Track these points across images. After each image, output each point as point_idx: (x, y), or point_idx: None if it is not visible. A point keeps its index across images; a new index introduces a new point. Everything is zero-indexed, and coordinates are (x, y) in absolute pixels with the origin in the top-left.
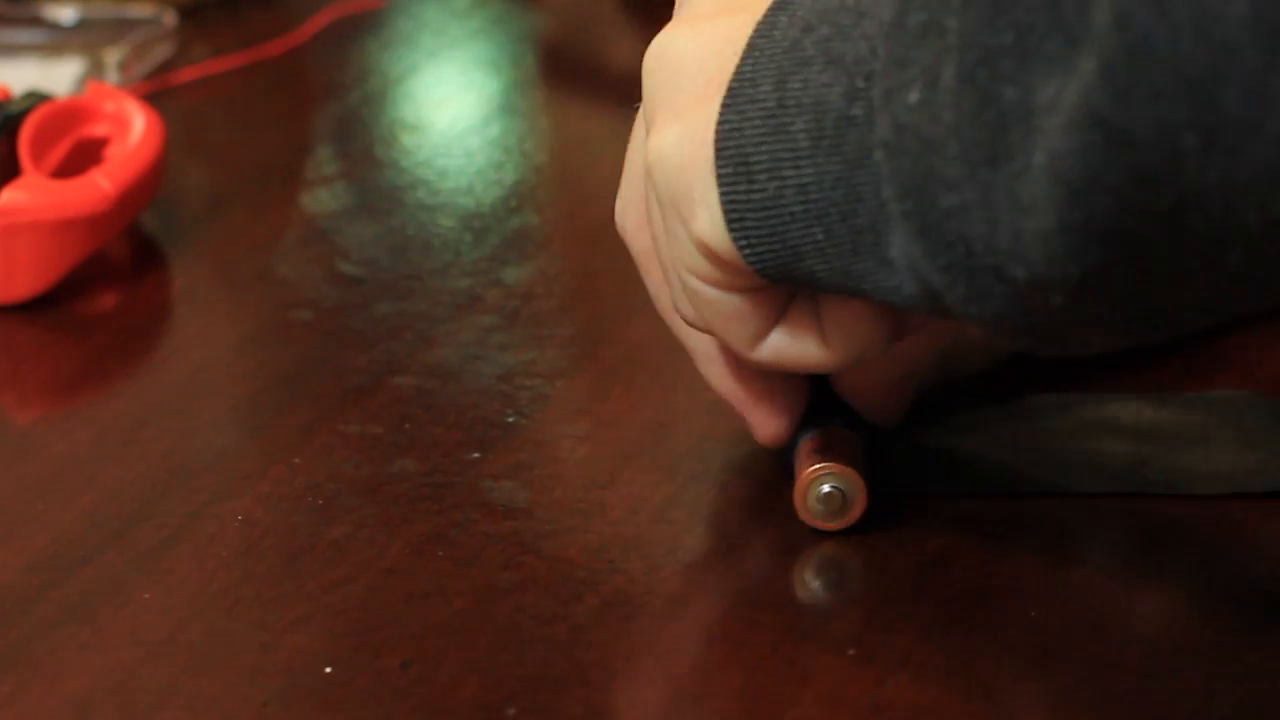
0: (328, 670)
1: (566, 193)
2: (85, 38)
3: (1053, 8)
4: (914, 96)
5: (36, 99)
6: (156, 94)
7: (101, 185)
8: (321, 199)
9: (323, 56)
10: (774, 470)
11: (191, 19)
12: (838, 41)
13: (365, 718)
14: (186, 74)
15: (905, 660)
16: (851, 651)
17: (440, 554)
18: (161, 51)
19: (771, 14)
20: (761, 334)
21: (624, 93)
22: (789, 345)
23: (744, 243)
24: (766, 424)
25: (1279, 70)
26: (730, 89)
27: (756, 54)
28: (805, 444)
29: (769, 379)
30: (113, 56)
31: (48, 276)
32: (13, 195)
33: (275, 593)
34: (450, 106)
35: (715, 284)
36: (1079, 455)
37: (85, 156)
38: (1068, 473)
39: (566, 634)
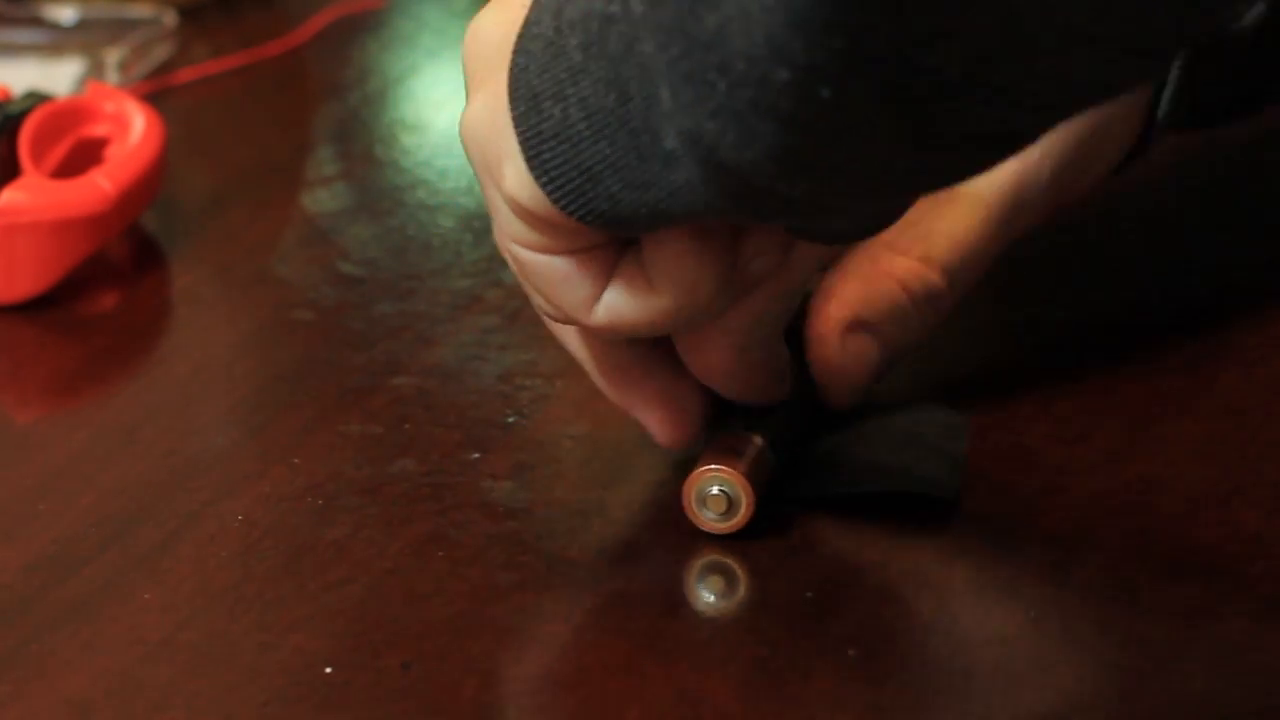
0: (328, 670)
1: None
2: (85, 38)
3: None
4: None
5: (36, 99)
6: (156, 94)
7: (101, 185)
8: (321, 199)
9: (323, 56)
10: (773, 470)
11: (191, 19)
12: None
13: (365, 718)
14: (186, 74)
15: (905, 660)
16: (851, 651)
17: (440, 554)
18: (161, 51)
19: None
20: (594, 297)
21: None
22: (622, 302)
23: (544, 179)
24: (665, 426)
25: None
26: (519, 37)
27: (541, 0)
28: (703, 450)
29: (661, 379)
30: (113, 56)
31: (48, 276)
32: (13, 195)
33: (275, 593)
34: (450, 106)
35: (538, 248)
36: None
37: (85, 156)
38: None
39: (566, 634)
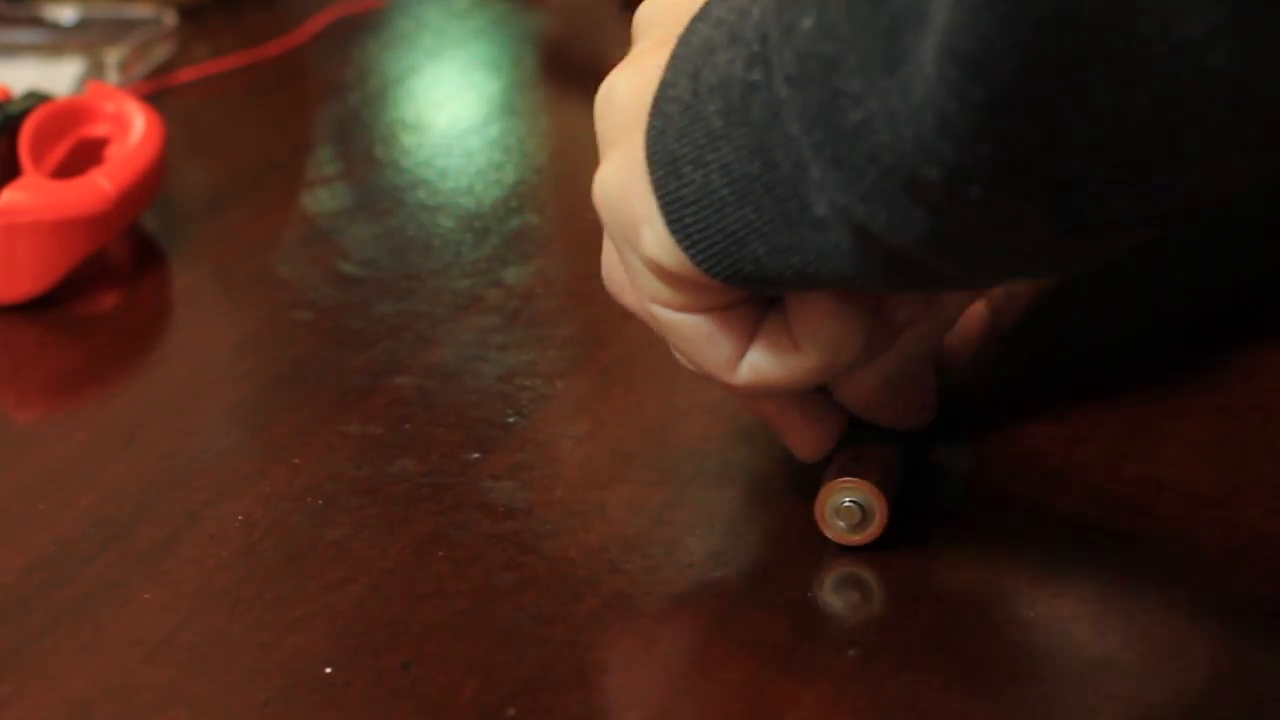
0: (328, 670)
1: (566, 193)
2: (85, 38)
3: None
4: (808, 22)
5: (36, 99)
6: (156, 94)
7: (101, 185)
8: (321, 199)
9: (323, 56)
10: (773, 470)
11: (191, 19)
12: (738, 21)
13: (365, 718)
14: (186, 74)
15: (905, 660)
16: (851, 652)
17: (440, 554)
18: (161, 51)
19: (691, 23)
20: (737, 355)
21: None
22: (766, 362)
23: (686, 242)
24: (806, 441)
25: None
26: (655, 99)
27: (677, 61)
28: (833, 459)
29: (802, 396)
30: (113, 56)
31: (48, 276)
32: (13, 195)
33: (275, 593)
34: (450, 106)
35: (680, 308)
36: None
37: (85, 156)
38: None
39: (566, 634)
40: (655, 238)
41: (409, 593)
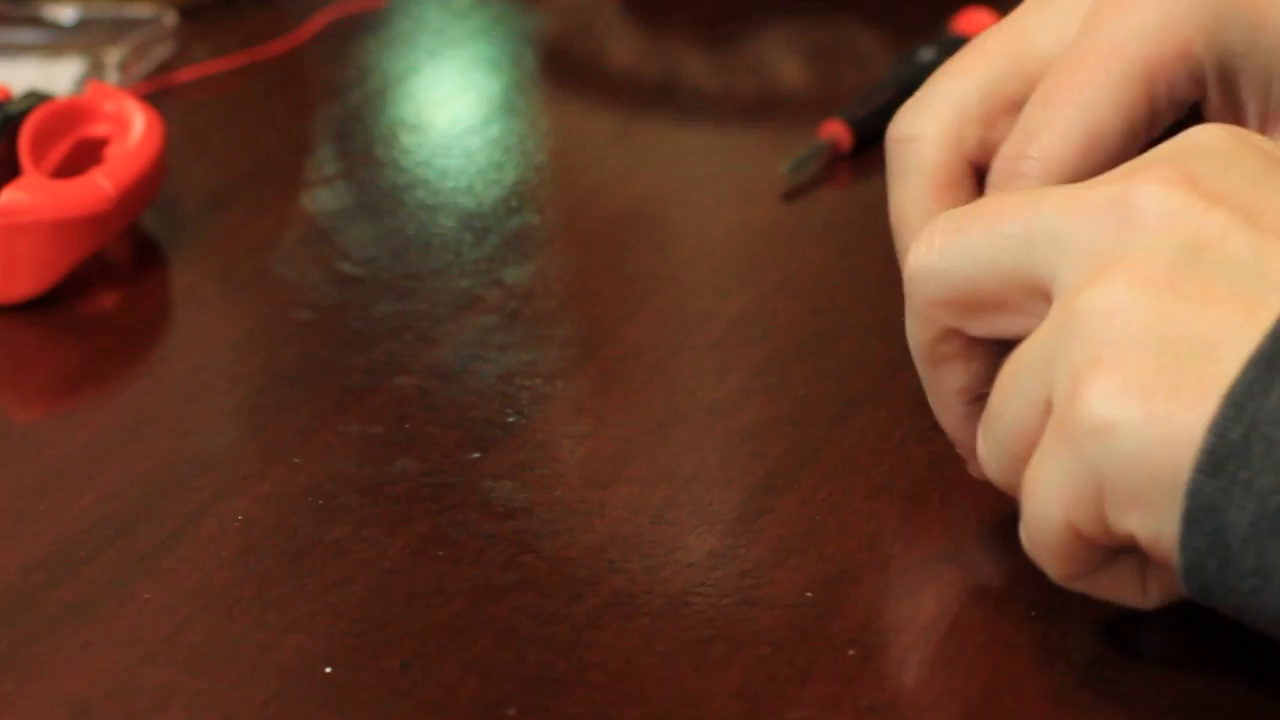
0: (328, 670)
1: (566, 193)
2: (85, 38)
3: None
4: None
5: (36, 99)
6: (156, 94)
7: (101, 185)
8: (321, 199)
9: (323, 56)
10: (774, 470)
11: (191, 19)
12: None
13: (365, 718)
14: (186, 74)
15: (905, 660)
16: (851, 651)
17: (440, 554)
18: (161, 51)
19: (1265, 371)
20: (1085, 574)
21: (624, 93)
22: (1107, 587)
23: (1194, 586)
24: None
25: None
26: (1213, 451)
27: (1248, 419)
28: None
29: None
30: (113, 56)
31: (48, 276)
32: (13, 195)
33: (275, 593)
34: (450, 106)
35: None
36: None
37: (85, 156)
38: None
39: (566, 634)
40: (1146, 534)
41: (409, 593)
